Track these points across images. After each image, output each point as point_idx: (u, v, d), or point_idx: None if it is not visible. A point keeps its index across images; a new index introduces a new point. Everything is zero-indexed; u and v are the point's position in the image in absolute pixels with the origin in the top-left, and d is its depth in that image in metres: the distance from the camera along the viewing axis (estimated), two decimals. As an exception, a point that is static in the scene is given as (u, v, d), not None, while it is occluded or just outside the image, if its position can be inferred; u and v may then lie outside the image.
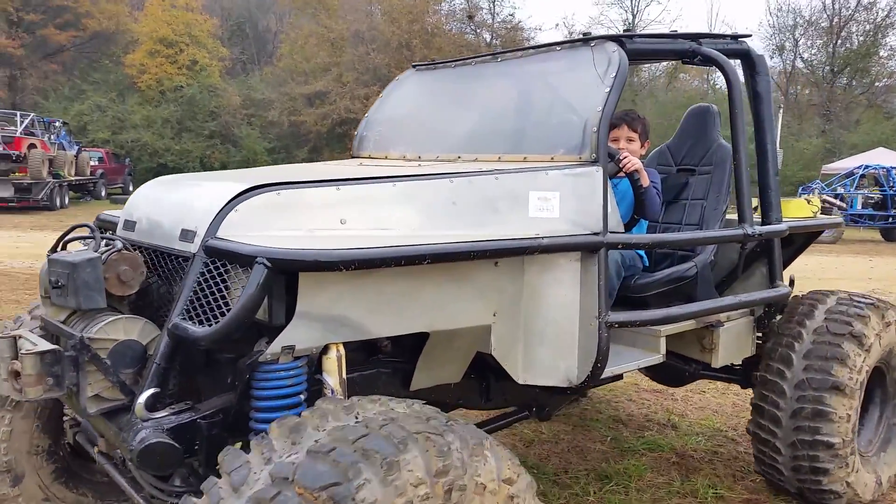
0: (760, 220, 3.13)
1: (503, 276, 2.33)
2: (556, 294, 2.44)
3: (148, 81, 35.32)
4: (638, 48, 2.68)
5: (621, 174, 2.85)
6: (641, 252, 3.18)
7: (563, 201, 2.37)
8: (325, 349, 1.97)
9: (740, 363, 3.50)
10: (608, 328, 2.42)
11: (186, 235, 2.01)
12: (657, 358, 2.81)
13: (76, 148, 26.75)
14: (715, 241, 3.11)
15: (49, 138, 24.95)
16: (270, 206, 1.98)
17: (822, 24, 36.90)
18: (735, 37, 3.09)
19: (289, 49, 35.87)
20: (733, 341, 3.13)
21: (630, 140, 3.21)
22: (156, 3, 36.65)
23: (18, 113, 25.48)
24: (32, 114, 25.91)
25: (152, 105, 34.69)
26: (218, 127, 33.68)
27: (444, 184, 2.20)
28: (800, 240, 3.80)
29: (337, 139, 31.59)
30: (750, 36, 3.11)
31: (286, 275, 1.84)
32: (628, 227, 2.98)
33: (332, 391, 1.98)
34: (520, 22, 37.22)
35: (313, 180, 2.07)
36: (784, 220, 3.24)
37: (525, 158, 2.60)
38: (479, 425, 2.88)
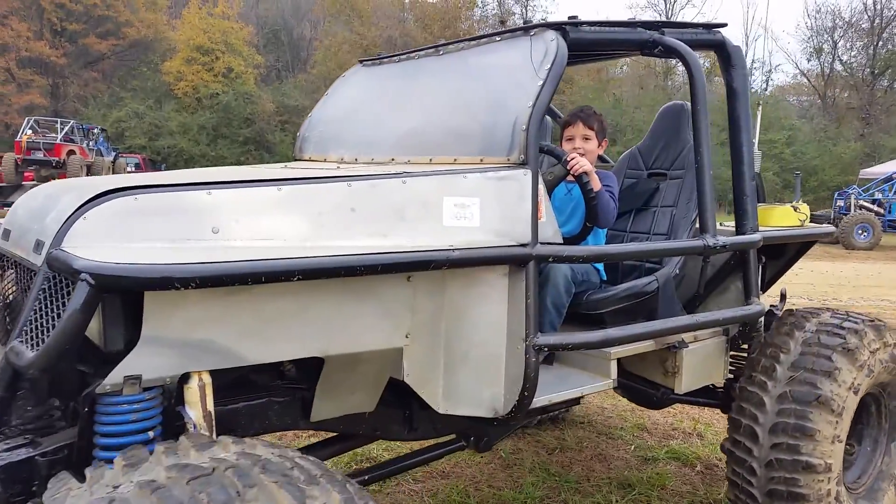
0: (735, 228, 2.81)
1: (418, 292, 2.07)
2: (481, 313, 2.17)
3: (184, 88, 35.87)
4: (585, 37, 2.39)
5: (571, 178, 2.56)
6: (598, 265, 2.88)
7: (485, 209, 2.10)
8: (186, 377, 1.73)
9: (721, 385, 3.18)
10: (537, 352, 2.14)
11: (38, 246, 1.79)
12: (607, 383, 2.51)
13: (113, 154, 27.29)
14: (667, 254, 2.80)
15: (88, 145, 25.53)
16: (126, 212, 1.73)
17: (863, 26, 35.85)
18: (708, 26, 2.78)
19: (322, 56, 36.10)
20: (700, 364, 2.80)
21: (586, 139, 2.91)
22: (193, 11, 37.26)
23: (59, 120, 26.14)
24: (72, 121, 26.53)
25: (188, 112, 35.21)
26: (252, 133, 34.01)
27: (340, 188, 1.94)
28: (791, 250, 3.45)
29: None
30: (725, 25, 2.79)
31: (130, 294, 1.61)
32: (582, 235, 2.69)
33: (195, 426, 1.73)
34: (553, 26, 36.73)
35: (182, 183, 1.83)
36: (763, 229, 2.90)
37: (455, 160, 2.33)
38: (407, 457, 2.63)
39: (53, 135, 24.71)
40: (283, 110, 34.97)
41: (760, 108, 3.35)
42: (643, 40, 2.54)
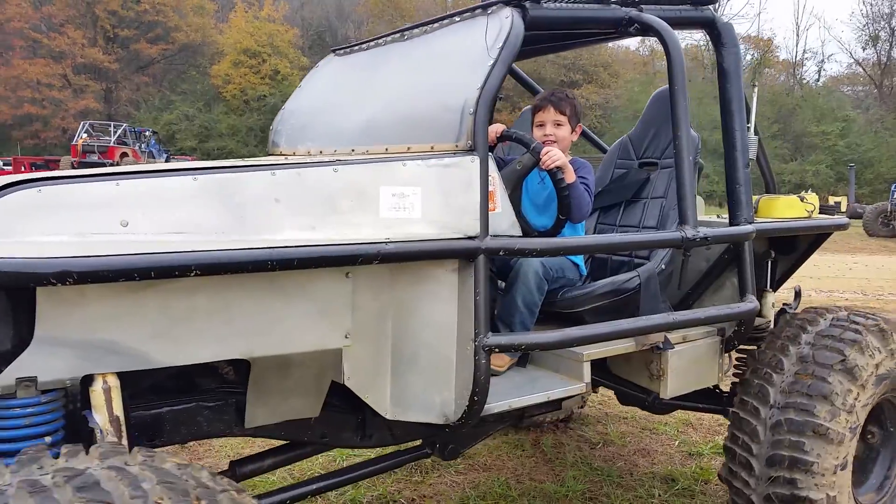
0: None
1: (359, 289, 1.93)
2: (430, 312, 2.03)
3: (232, 91, 36.47)
4: (548, 15, 2.21)
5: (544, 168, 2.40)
6: (577, 260, 2.69)
7: (427, 199, 1.95)
8: (90, 380, 1.62)
9: (727, 389, 2.95)
10: (488, 353, 1.98)
11: None
12: (579, 387, 2.33)
13: (165, 156, 27.91)
14: (637, 246, 2.59)
15: (140, 147, 26.23)
16: (31, 205, 1.63)
17: (922, 12, 34.31)
18: (696, 1, 2.57)
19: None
20: (689, 367, 2.59)
21: (558, 124, 2.73)
22: (240, 15, 37.89)
23: (112, 123, 26.95)
24: (125, 124, 27.31)
25: (237, 114, 35.79)
26: (298, 134, 34.29)
27: (263, 178, 1.81)
28: (802, 244, 3.20)
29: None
30: (716, 2, 2.58)
31: (20, 290, 1.52)
32: (556, 228, 2.52)
33: (101, 431, 1.63)
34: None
35: (89, 174, 1.73)
36: (762, 221, 2.68)
37: (409, 149, 2.18)
38: (366, 464, 2.49)
39: (107, 138, 25.49)
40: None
41: (756, 89, 3.10)
42: (617, 18, 2.35)
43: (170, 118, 34.88)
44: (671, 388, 2.54)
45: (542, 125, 2.72)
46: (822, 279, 10.61)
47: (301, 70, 38.35)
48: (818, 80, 37.44)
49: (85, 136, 25.33)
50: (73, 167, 23.35)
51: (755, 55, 36.13)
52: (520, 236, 2.11)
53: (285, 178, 1.83)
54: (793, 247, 3.22)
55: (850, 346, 2.54)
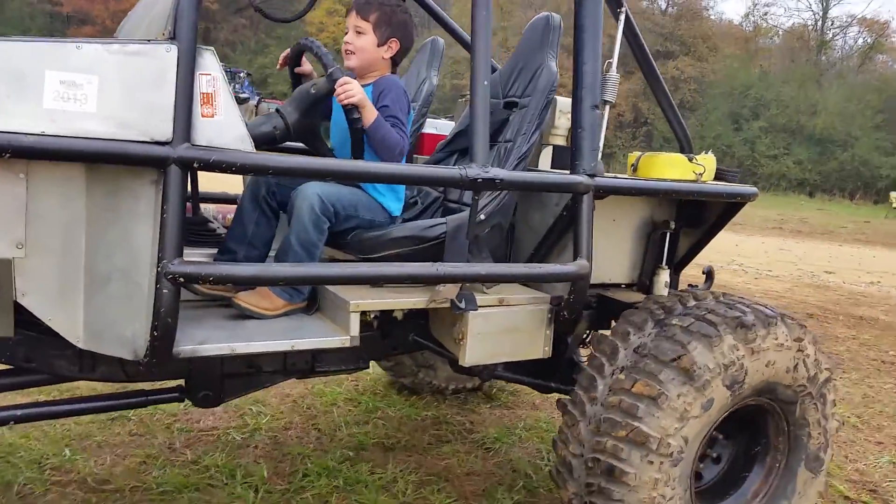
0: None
1: (39, 193, 1.66)
2: (125, 230, 1.74)
3: (325, 40, 36.67)
4: None
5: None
6: (385, 199, 2.32)
7: (104, 91, 1.63)
8: None
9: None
10: (173, 282, 1.68)
11: None
12: (341, 340, 1.99)
13: (257, 98, 28.41)
14: (404, 180, 2.22)
15: (234, 87, 26.78)
16: None
17: None
18: None
19: (458, 12, 35.62)
20: (499, 334, 2.20)
21: (359, 32, 2.35)
22: (338, -37, 37.85)
23: (243, 72, 27.74)
24: (221, 64, 27.95)
25: (327, 64, 36.04)
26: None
27: None
28: (710, 217, 2.72)
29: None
30: None
31: None
32: None
33: None
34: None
35: None
36: (618, 177, 2.24)
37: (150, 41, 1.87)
38: (98, 398, 2.23)
39: (237, 85, 26.19)
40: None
41: (623, 16, 2.55)
42: None
43: (264, 62, 35.47)
44: (471, 354, 2.16)
45: (347, 33, 2.37)
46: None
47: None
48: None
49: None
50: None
51: (866, 39, 33.20)
52: (251, 151, 1.78)
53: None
54: (699, 219, 2.75)
55: (696, 339, 2.09)
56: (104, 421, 3.12)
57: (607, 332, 2.40)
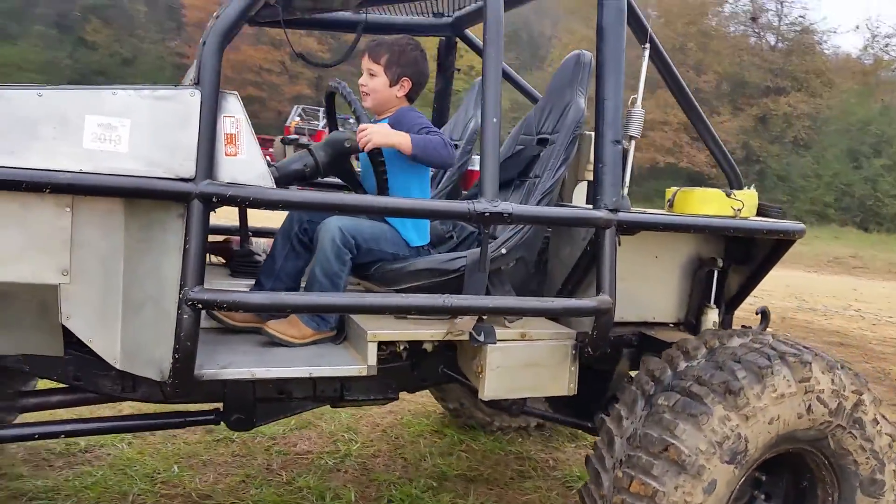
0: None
1: (82, 224, 1.85)
2: (156, 260, 1.89)
3: (426, 95, 37.71)
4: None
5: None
6: (407, 231, 2.39)
7: (136, 132, 1.80)
8: None
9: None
10: (193, 308, 1.81)
11: None
12: (358, 368, 2.06)
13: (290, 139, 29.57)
14: (411, 213, 2.24)
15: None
16: None
17: None
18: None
19: (559, 54, 35.83)
20: (519, 368, 2.20)
21: (372, 74, 2.46)
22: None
23: (321, 109, 29.08)
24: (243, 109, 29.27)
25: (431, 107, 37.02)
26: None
27: (-37, 97, 1.78)
28: (758, 254, 2.63)
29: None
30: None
31: None
32: None
33: None
34: (811, 24, 32.84)
35: None
36: (645, 212, 2.22)
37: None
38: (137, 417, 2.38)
39: (316, 122, 27.44)
40: (516, 106, 35.37)
41: (647, 52, 2.45)
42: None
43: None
44: (490, 388, 2.17)
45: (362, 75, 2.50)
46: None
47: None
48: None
49: (297, 119, 27.43)
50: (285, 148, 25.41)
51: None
52: (268, 186, 1.90)
53: (-14, 100, 1.78)
54: (747, 256, 2.66)
55: (683, 420, 1.98)
56: (210, 441, 3.35)
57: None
